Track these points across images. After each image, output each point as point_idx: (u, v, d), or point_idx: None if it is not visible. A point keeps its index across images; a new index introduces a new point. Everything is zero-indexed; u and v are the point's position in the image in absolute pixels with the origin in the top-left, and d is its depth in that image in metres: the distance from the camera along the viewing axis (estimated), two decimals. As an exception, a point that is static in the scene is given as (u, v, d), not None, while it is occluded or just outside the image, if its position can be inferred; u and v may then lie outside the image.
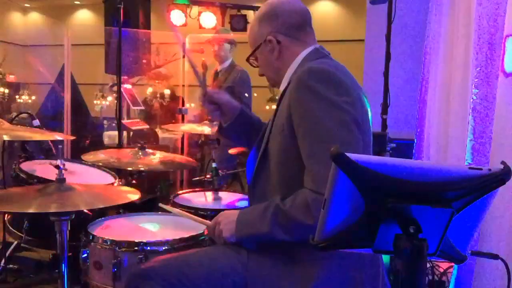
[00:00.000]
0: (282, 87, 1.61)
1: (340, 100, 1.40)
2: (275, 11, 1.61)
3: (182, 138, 4.93)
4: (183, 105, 4.85)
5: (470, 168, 0.93)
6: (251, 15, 5.54)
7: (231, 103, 1.83)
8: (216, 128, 1.93)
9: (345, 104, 1.40)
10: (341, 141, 1.35)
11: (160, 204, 1.88)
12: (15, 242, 2.67)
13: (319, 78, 1.43)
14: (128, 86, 4.89)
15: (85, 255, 1.83)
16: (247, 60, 1.71)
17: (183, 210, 2.19)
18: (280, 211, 1.41)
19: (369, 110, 1.53)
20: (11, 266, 2.80)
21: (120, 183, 2.46)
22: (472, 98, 2.28)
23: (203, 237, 1.88)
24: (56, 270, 1.75)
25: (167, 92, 7.01)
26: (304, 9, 1.64)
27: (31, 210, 1.63)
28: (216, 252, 1.58)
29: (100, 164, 2.45)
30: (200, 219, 1.79)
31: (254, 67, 1.72)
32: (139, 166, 2.37)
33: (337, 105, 1.39)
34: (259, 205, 1.50)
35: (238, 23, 5.53)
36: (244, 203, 2.36)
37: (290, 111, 1.45)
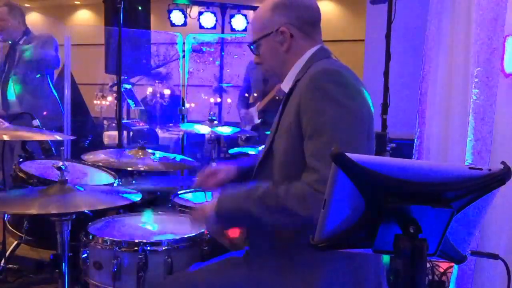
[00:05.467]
0: (286, 86, 1.58)
1: (351, 104, 1.39)
2: (292, 2, 1.56)
3: (182, 138, 4.93)
4: (183, 105, 4.85)
5: (470, 168, 0.93)
6: (251, 15, 5.54)
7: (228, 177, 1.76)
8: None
9: (355, 108, 1.39)
10: (348, 145, 1.35)
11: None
12: (15, 242, 2.67)
13: (333, 80, 1.41)
14: (128, 86, 4.89)
15: (85, 255, 1.83)
16: (249, 46, 1.64)
17: (182, 210, 2.20)
18: (270, 194, 1.38)
19: (371, 108, 1.53)
20: (11, 266, 2.79)
21: (120, 183, 2.46)
22: (472, 98, 2.28)
23: (203, 237, 1.88)
24: (56, 270, 1.75)
25: (167, 92, 7.01)
26: (317, 6, 1.60)
27: (32, 212, 1.63)
28: (214, 270, 1.58)
29: (100, 164, 2.45)
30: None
31: (254, 54, 1.65)
32: (139, 166, 2.37)
33: (348, 108, 1.38)
34: (243, 186, 1.47)
35: (238, 23, 5.52)
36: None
37: (299, 109, 1.43)
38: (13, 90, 3.60)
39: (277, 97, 3.59)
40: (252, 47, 1.64)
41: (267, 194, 1.39)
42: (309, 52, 1.56)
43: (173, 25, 5.51)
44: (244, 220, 1.46)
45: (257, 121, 3.94)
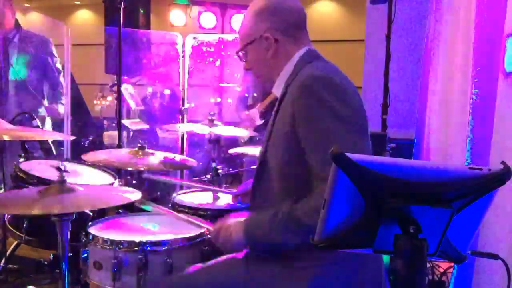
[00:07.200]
0: (277, 91, 1.57)
1: (345, 109, 1.38)
2: (275, 6, 1.55)
3: (182, 138, 4.93)
4: (183, 105, 4.85)
5: (470, 168, 0.93)
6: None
7: None
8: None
9: (350, 112, 1.39)
10: (354, 149, 1.34)
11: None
12: (15, 242, 2.67)
13: (324, 86, 1.40)
14: (128, 86, 4.89)
15: (85, 255, 1.83)
16: (237, 53, 1.65)
17: (183, 211, 2.20)
18: (291, 218, 1.38)
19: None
20: (11, 266, 2.79)
21: (120, 183, 2.46)
22: (472, 98, 2.28)
23: (203, 237, 1.87)
24: (56, 270, 1.75)
25: (167, 92, 7.01)
26: (301, 7, 1.60)
27: (33, 212, 1.63)
28: (214, 271, 1.58)
29: (100, 164, 2.45)
30: (198, 222, 1.79)
31: (242, 61, 1.66)
32: (139, 166, 2.37)
33: (342, 113, 1.37)
34: (266, 214, 1.46)
35: (238, 23, 5.52)
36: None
37: (294, 120, 1.42)
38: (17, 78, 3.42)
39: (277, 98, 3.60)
40: (240, 54, 1.64)
41: (288, 218, 1.39)
42: (297, 55, 1.55)
43: (173, 25, 5.51)
44: (274, 248, 1.45)
45: (259, 122, 3.94)
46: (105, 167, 2.53)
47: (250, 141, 3.76)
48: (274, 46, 1.55)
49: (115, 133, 3.80)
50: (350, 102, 1.41)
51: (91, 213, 2.10)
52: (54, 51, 3.64)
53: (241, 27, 1.64)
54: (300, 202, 1.39)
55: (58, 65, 3.68)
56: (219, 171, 2.50)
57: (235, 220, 1.55)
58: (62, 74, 3.73)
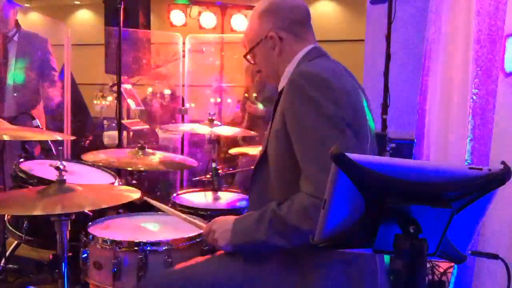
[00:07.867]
0: (280, 86, 1.59)
1: (330, 105, 1.37)
2: (277, 6, 1.58)
3: (182, 138, 4.93)
4: (183, 105, 4.84)
5: (470, 168, 0.93)
6: (251, 15, 5.51)
7: None
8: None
9: (335, 110, 1.37)
10: (334, 144, 1.34)
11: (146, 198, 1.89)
12: (15, 242, 2.67)
13: (310, 81, 1.40)
14: (128, 86, 4.88)
15: (85, 255, 1.83)
16: (245, 56, 1.67)
17: (183, 210, 2.20)
18: (276, 217, 1.40)
19: (367, 111, 1.52)
20: (11, 266, 2.79)
21: (120, 183, 2.46)
22: (472, 98, 2.28)
23: (203, 237, 1.87)
24: (56, 270, 1.75)
25: (167, 92, 7.00)
26: (304, 5, 1.61)
27: (34, 213, 1.63)
28: (214, 263, 1.58)
29: (100, 164, 2.45)
30: (194, 222, 1.79)
31: (251, 63, 1.68)
32: (139, 166, 2.37)
33: (326, 110, 1.36)
34: (254, 212, 1.49)
35: (238, 23, 5.51)
36: (244, 203, 2.37)
37: (284, 116, 1.44)
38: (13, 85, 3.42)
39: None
40: (248, 57, 1.66)
41: (274, 219, 1.40)
42: (301, 52, 1.56)
43: (173, 25, 5.50)
44: (261, 248, 1.47)
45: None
46: (105, 167, 2.53)
47: (247, 140, 3.76)
48: (280, 44, 1.57)
49: (115, 133, 3.80)
50: (337, 99, 1.39)
51: (91, 213, 2.09)
52: (51, 50, 3.66)
53: (247, 31, 1.66)
54: (285, 203, 1.40)
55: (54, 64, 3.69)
56: (219, 171, 2.50)
57: (221, 221, 1.57)
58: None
